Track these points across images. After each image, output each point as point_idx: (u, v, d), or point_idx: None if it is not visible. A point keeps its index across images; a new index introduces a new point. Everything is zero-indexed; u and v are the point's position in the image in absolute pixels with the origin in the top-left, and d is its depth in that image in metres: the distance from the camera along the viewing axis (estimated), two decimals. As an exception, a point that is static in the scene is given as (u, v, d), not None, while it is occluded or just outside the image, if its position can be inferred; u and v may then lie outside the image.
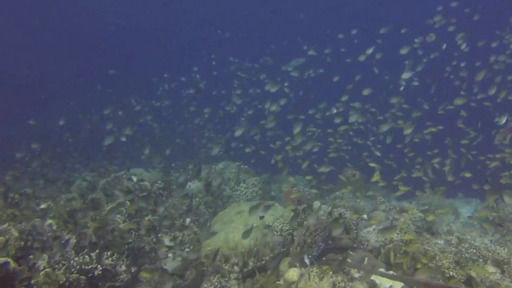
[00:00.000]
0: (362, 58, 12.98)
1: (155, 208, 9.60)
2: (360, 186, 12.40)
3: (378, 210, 9.90)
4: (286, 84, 15.09)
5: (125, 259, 7.41)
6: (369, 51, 13.00)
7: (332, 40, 17.10)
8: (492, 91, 11.91)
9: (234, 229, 8.50)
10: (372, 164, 11.59)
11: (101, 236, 8.09)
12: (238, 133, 10.89)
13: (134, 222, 9.08)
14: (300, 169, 12.92)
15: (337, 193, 11.30)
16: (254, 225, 8.43)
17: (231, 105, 15.32)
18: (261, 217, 8.57)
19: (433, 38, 13.18)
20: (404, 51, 12.38)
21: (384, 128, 11.17)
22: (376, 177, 10.08)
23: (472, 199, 14.16)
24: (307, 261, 6.94)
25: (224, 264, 7.83)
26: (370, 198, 11.87)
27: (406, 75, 11.55)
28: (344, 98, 12.04)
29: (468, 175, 11.74)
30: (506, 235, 9.91)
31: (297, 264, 7.22)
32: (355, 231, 8.34)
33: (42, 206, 9.09)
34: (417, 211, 9.46)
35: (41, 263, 6.32)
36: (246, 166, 13.01)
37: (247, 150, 13.13)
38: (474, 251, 7.75)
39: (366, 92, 11.86)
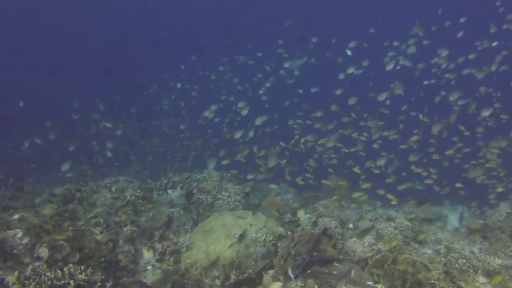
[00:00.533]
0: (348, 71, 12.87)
1: (133, 218, 9.25)
2: (345, 195, 12.10)
3: (364, 219, 9.62)
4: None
5: (99, 273, 7.02)
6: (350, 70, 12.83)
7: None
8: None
9: (215, 240, 8.16)
10: (356, 170, 11.36)
11: (76, 248, 7.70)
12: (237, 135, 10.76)
13: (112, 233, 8.70)
14: (285, 177, 12.70)
15: (321, 201, 10.99)
16: (237, 235, 8.11)
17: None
18: (243, 228, 8.26)
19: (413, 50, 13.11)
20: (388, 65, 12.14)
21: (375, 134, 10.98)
22: (365, 185, 9.81)
23: (458, 206, 13.97)
24: (291, 274, 6.63)
25: (205, 278, 7.49)
26: (355, 206, 11.62)
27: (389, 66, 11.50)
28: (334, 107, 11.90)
29: (459, 185, 11.63)
30: (495, 243, 9.70)
31: (281, 278, 6.90)
32: (341, 241, 8.06)
33: (16, 216, 8.68)
34: (404, 220, 9.21)
35: (10, 278, 5.94)
36: (229, 174, 12.67)
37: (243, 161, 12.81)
38: (464, 261, 7.50)
39: (352, 101, 11.73)
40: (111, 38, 48.21)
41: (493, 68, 12.35)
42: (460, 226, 11.61)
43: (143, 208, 9.96)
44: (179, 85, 20.09)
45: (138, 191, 10.29)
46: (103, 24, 45.73)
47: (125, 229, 8.95)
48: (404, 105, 14.30)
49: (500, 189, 11.58)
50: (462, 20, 14.84)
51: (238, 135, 10.79)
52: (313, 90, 14.72)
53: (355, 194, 10.15)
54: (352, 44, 12.73)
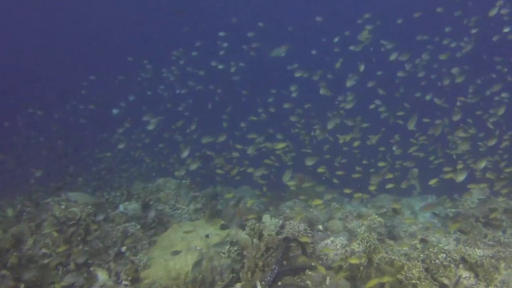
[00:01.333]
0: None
1: (85, 237, 8.45)
2: (311, 193, 11.51)
3: (334, 219, 9.02)
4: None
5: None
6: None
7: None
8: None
9: (176, 255, 7.42)
10: (320, 170, 10.82)
11: (21, 276, 6.91)
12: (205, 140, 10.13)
13: (62, 255, 7.89)
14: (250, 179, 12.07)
15: (287, 202, 10.32)
16: (198, 248, 7.40)
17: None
18: (206, 236, 7.57)
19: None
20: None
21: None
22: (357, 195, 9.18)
23: (427, 195, 13.65)
24: (260, 288, 5.97)
25: (165, 298, 6.76)
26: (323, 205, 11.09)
27: None
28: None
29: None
30: (470, 232, 9.29)
31: (250, 292, 6.23)
32: (311, 245, 7.45)
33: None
34: (377, 216, 8.67)
35: None
36: (187, 181, 11.91)
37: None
38: (444, 255, 7.01)
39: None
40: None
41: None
42: (432, 217, 11.21)
43: (95, 225, 9.14)
44: (115, 111, 19.15)
45: (89, 207, 9.44)
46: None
47: (76, 249, 8.15)
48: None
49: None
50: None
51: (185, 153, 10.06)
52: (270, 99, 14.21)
53: (326, 196, 9.57)
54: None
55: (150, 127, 11.41)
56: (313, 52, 16.69)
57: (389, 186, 9.70)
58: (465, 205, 10.68)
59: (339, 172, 10.14)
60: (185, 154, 9.53)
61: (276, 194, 12.41)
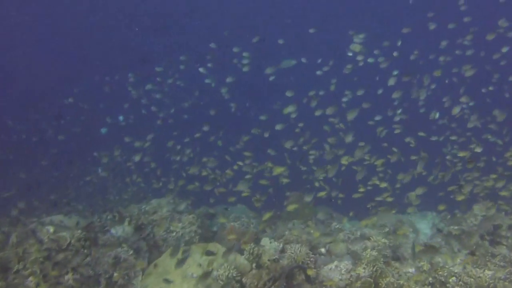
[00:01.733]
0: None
1: (75, 263, 8.04)
2: (309, 212, 11.12)
3: (336, 241, 8.63)
4: None
5: None
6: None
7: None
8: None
9: (170, 284, 7.02)
10: (317, 184, 10.50)
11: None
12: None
13: (51, 284, 7.50)
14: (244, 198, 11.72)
15: (288, 225, 9.92)
16: (195, 275, 7.01)
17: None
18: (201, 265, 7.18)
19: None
20: None
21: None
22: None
23: (427, 212, 13.31)
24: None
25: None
26: (322, 224, 10.71)
27: None
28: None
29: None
30: (476, 251, 8.96)
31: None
32: (314, 270, 7.07)
33: None
34: (381, 238, 8.30)
35: None
36: (181, 201, 11.50)
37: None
38: (455, 279, 6.66)
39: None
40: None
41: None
42: (433, 234, 10.88)
43: (85, 251, 8.71)
44: (103, 130, 18.79)
45: (79, 231, 9.01)
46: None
47: (65, 277, 7.74)
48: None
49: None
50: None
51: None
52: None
53: (320, 216, 9.22)
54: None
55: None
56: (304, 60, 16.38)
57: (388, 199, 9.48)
58: (468, 222, 10.36)
59: (341, 194, 9.82)
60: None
61: (273, 213, 12.02)
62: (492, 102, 15.15)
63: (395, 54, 12.71)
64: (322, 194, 9.56)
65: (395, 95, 11.76)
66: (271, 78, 14.49)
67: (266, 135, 11.57)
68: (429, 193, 11.36)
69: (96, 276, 7.97)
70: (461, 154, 10.82)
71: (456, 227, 10.34)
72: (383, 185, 10.35)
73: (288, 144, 11.06)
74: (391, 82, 11.25)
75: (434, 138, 13.55)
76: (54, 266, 7.90)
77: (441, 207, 10.82)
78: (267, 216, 8.77)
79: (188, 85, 18.67)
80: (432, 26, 13.56)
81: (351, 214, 10.05)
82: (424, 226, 11.92)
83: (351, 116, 9.94)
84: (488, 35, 11.69)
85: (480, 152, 10.95)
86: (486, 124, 12.89)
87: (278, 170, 9.63)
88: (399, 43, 13.56)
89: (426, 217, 12.90)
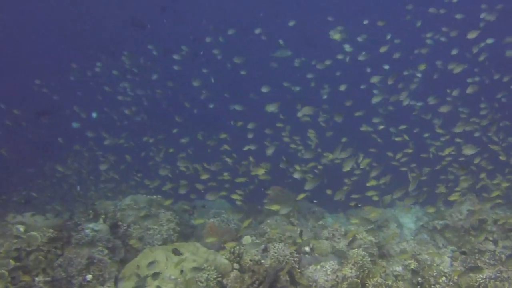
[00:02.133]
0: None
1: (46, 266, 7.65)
2: (291, 207, 10.79)
3: (320, 239, 8.31)
4: None
5: None
6: None
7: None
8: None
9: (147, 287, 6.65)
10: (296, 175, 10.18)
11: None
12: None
13: (20, 287, 7.11)
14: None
15: (268, 220, 9.53)
16: (173, 277, 6.65)
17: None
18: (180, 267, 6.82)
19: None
20: None
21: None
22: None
23: (411, 206, 13.13)
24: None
25: None
26: (304, 219, 10.44)
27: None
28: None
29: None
30: (462, 247, 8.77)
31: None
32: (299, 270, 6.77)
33: None
34: (366, 235, 8.01)
35: None
36: (159, 197, 11.08)
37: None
38: (445, 279, 6.42)
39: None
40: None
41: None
42: (418, 230, 10.69)
43: (57, 251, 8.29)
44: (94, 114, 18.21)
45: (50, 230, 8.56)
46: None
47: (36, 280, 7.39)
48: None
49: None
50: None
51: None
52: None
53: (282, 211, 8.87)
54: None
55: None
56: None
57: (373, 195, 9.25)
58: (454, 217, 10.17)
59: (329, 191, 9.50)
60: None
61: (254, 208, 11.69)
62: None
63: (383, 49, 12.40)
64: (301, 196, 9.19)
65: (375, 99, 11.46)
66: (243, 72, 14.29)
67: (251, 135, 11.22)
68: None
69: (68, 278, 7.58)
70: (446, 151, 10.61)
71: (441, 222, 10.17)
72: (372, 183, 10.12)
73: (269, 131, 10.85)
74: (375, 79, 11.00)
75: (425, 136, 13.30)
76: (24, 268, 7.43)
77: (430, 209, 10.49)
78: (246, 223, 8.37)
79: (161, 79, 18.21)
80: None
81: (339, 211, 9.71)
82: (408, 221, 11.74)
83: (338, 118, 9.71)
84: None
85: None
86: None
87: (260, 171, 9.29)
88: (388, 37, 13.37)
89: (409, 210, 12.72)
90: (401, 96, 10.89)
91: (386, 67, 11.60)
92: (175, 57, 14.50)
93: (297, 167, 10.78)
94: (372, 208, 9.55)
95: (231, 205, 12.47)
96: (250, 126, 10.80)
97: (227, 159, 11.63)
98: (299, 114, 10.41)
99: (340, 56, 12.89)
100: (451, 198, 8.80)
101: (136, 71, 17.73)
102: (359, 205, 9.09)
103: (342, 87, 11.81)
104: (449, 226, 9.88)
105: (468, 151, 8.98)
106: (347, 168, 8.73)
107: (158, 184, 11.85)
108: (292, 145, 12.57)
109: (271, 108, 10.31)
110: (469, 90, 10.41)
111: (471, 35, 10.95)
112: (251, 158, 10.97)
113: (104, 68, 17.66)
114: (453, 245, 9.05)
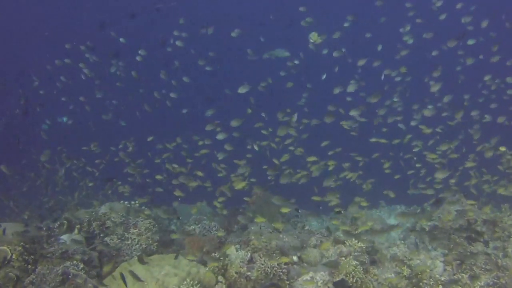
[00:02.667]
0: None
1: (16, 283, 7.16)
2: (274, 212, 10.35)
3: (308, 247, 7.91)
4: None
5: None
6: None
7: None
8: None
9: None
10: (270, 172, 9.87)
11: None
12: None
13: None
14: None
15: (252, 228, 9.07)
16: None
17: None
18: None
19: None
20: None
21: None
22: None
23: (396, 206, 12.92)
24: None
25: None
26: (290, 224, 10.09)
27: None
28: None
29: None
30: (453, 250, 8.49)
31: None
32: (287, 282, 6.40)
33: None
34: (356, 242, 7.65)
35: None
36: (137, 203, 10.60)
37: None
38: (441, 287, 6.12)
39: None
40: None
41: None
42: (405, 232, 10.42)
43: (29, 267, 7.75)
44: (65, 119, 17.57)
45: (21, 243, 8.02)
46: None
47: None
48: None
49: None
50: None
51: None
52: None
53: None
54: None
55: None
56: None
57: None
58: (442, 217, 9.92)
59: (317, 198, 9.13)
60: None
61: (235, 211, 11.26)
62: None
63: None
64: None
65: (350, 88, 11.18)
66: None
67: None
68: (398, 187, 11.02)
69: (42, 295, 7.08)
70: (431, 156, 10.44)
71: (429, 223, 9.91)
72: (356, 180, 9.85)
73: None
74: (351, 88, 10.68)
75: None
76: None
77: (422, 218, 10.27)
78: (226, 247, 7.80)
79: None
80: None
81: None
82: (394, 221, 11.51)
83: (328, 120, 9.39)
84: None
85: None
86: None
87: (240, 185, 8.87)
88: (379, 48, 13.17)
89: (395, 211, 12.52)
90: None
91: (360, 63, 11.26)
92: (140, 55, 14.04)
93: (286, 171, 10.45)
94: (357, 209, 9.31)
95: (211, 209, 12.06)
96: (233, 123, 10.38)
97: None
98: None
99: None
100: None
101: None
102: (342, 212, 8.82)
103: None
104: (437, 227, 9.62)
105: (440, 175, 9.03)
106: (316, 173, 8.57)
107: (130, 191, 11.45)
108: (273, 145, 12.20)
109: (243, 89, 10.13)
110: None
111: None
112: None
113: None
114: (443, 247, 8.76)
